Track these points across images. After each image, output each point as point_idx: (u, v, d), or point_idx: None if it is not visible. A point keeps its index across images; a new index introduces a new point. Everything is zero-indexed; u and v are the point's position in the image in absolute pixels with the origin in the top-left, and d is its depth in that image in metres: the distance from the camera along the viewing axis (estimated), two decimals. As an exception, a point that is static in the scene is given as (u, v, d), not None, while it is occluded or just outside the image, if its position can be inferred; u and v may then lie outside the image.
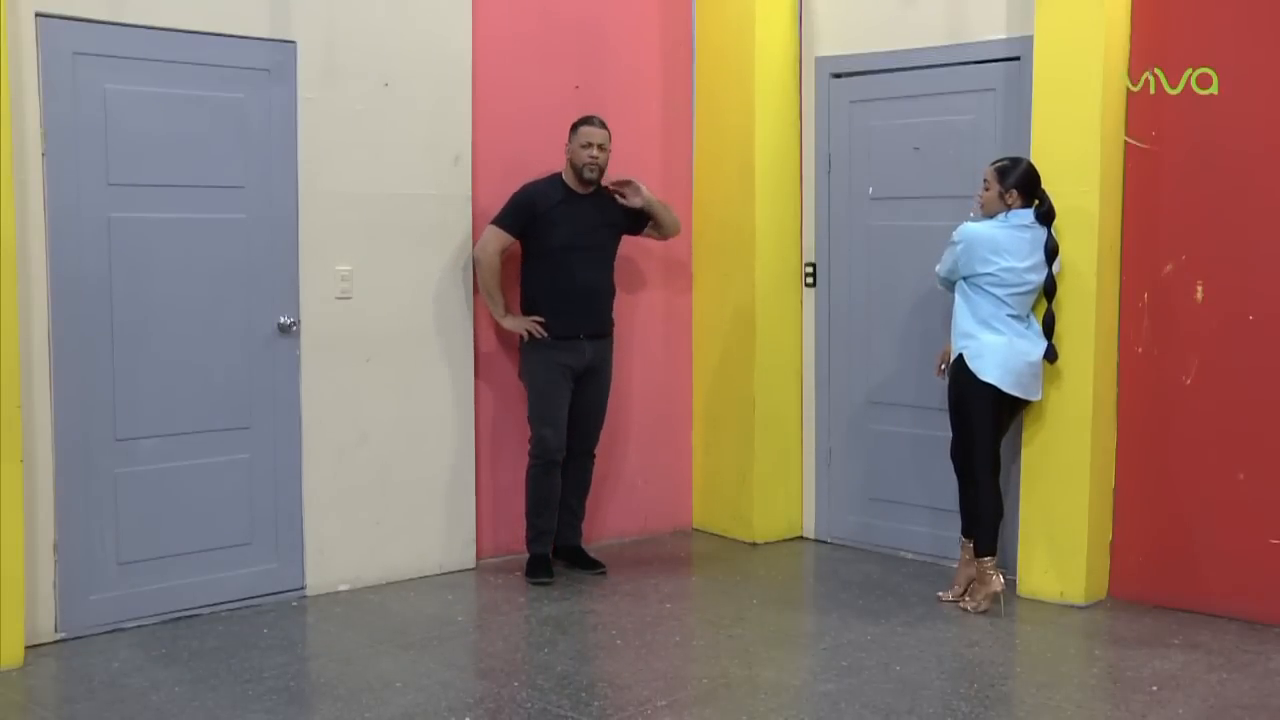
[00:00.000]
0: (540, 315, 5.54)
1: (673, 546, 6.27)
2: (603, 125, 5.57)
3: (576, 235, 5.53)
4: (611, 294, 5.74)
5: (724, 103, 6.28)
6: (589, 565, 5.74)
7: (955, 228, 5.11)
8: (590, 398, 5.69)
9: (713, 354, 6.44)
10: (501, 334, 5.78)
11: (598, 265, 5.64)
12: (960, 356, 5.05)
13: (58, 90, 4.58)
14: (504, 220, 5.53)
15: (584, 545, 5.87)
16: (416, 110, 5.47)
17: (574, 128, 5.57)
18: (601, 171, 5.57)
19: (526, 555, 5.67)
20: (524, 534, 5.68)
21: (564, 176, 5.60)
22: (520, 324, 5.56)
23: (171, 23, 4.82)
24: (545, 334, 5.51)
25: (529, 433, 5.62)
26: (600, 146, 5.53)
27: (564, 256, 5.51)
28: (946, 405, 5.18)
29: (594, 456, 5.82)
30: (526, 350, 5.61)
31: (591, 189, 5.60)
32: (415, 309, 5.51)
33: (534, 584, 5.51)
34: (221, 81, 4.96)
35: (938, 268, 5.21)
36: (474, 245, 5.59)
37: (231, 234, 5.02)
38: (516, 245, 5.58)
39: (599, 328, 5.66)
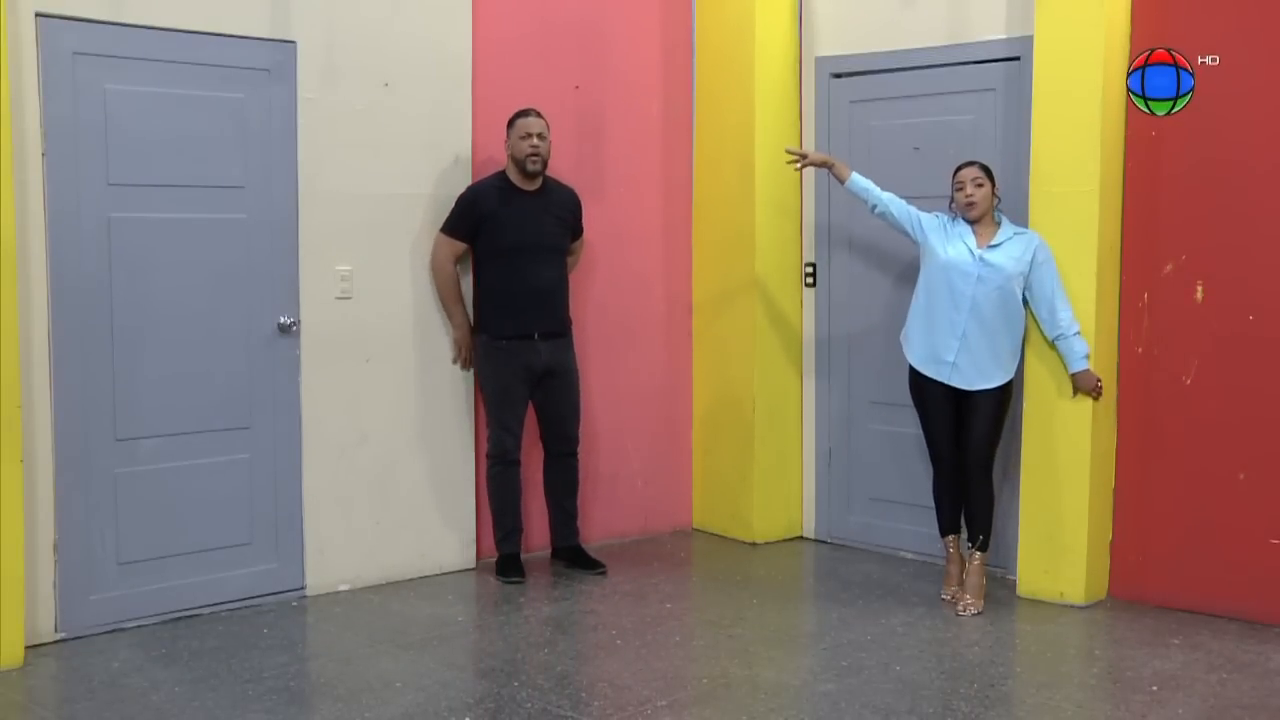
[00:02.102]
0: (493, 316, 5.48)
1: (673, 546, 6.27)
2: (540, 115, 5.49)
3: (524, 233, 5.45)
4: (565, 291, 5.66)
5: (724, 103, 6.28)
6: (589, 565, 5.74)
7: (1033, 245, 5.08)
8: (559, 399, 5.65)
9: (713, 354, 6.44)
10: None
11: (548, 263, 5.54)
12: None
13: (58, 90, 4.58)
14: (450, 226, 5.46)
15: (583, 545, 5.87)
16: (416, 110, 5.47)
17: (510, 122, 5.49)
18: (544, 163, 5.49)
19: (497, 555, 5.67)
20: (492, 535, 5.68)
21: (508, 174, 5.53)
22: (458, 348, 5.56)
23: (171, 23, 4.82)
24: (467, 368, 5.57)
25: (488, 434, 5.59)
26: (540, 136, 5.44)
27: (513, 256, 5.44)
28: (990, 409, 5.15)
29: (576, 456, 5.78)
30: (482, 353, 5.55)
31: (538, 184, 5.53)
32: (415, 309, 5.51)
33: (506, 583, 5.50)
34: (221, 81, 4.96)
35: (1066, 312, 5.04)
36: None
37: (231, 234, 5.02)
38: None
39: (553, 326, 5.57)
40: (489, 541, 5.79)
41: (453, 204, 5.49)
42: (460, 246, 5.47)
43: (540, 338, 5.52)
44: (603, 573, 5.69)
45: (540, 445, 5.77)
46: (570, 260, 5.78)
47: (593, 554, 5.84)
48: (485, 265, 5.50)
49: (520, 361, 5.49)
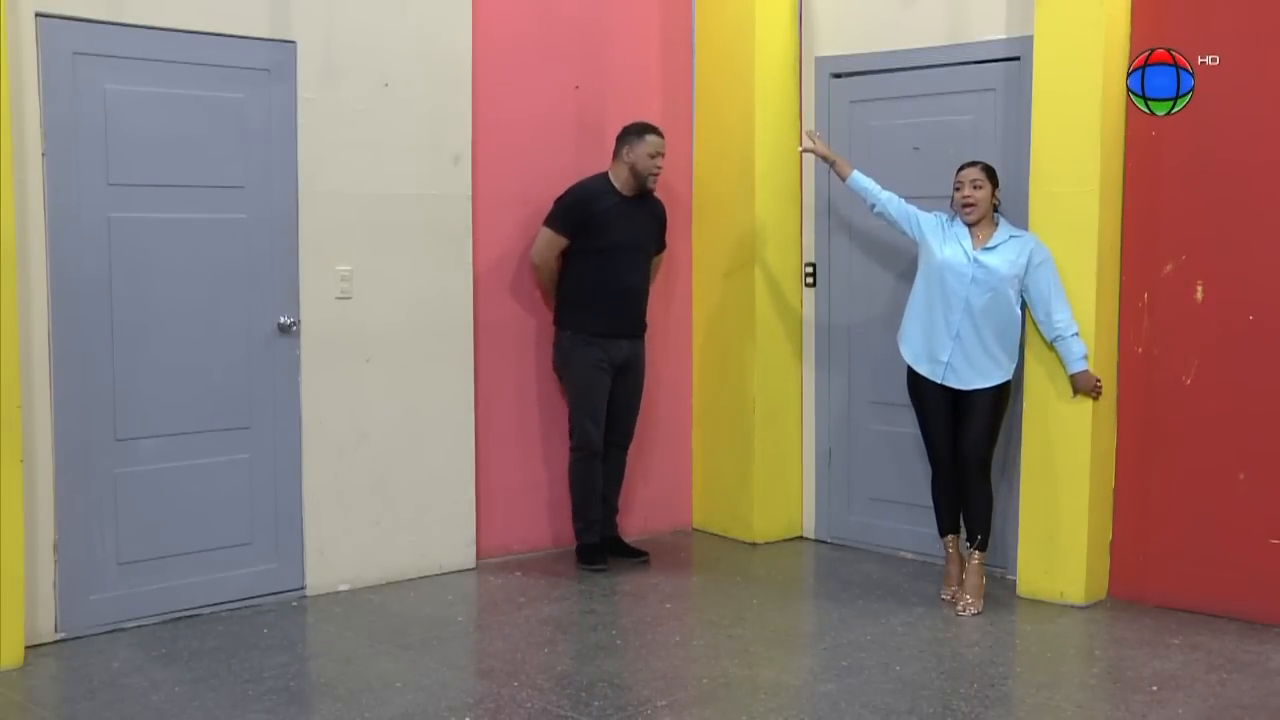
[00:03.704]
0: (584, 313, 5.64)
1: (673, 546, 6.27)
2: (663, 135, 5.72)
3: (625, 237, 5.65)
4: (647, 294, 5.87)
5: (724, 103, 6.28)
6: (630, 554, 5.87)
7: (1026, 244, 5.09)
8: (627, 393, 5.82)
9: (713, 354, 6.44)
10: (503, 333, 5.80)
11: (640, 267, 5.78)
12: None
13: (58, 90, 4.57)
14: (558, 223, 5.63)
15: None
16: (416, 110, 5.47)
17: (638, 134, 5.65)
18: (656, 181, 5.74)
19: (576, 545, 5.85)
20: (573, 527, 5.86)
21: (612, 178, 5.69)
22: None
23: (171, 23, 4.82)
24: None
25: (570, 426, 5.77)
26: (663, 156, 5.68)
27: (612, 257, 5.62)
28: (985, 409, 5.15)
29: (627, 450, 5.94)
30: (567, 346, 5.70)
31: (637, 193, 5.70)
32: (415, 309, 5.51)
33: (591, 570, 5.66)
34: (221, 81, 4.96)
35: (1063, 313, 5.03)
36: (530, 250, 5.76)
37: (231, 234, 5.02)
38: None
39: (638, 327, 5.81)
40: (489, 541, 5.81)
41: (553, 204, 5.66)
42: (563, 242, 5.65)
43: (625, 335, 5.71)
44: (645, 561, 5.83)
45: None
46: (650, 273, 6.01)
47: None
48: (580, 262, 5.67)
49: (605, 355, 5.67)
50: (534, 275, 5.79)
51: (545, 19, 5.92)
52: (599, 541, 5.80)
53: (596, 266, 5.62)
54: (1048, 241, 5.10)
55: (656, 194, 5.90)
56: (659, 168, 5.69)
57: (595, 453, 5.72)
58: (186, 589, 4.97)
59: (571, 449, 5.76)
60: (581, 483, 5.75)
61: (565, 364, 5.75)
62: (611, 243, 5.61)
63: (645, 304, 5.85)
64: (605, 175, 5.71)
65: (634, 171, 5.64)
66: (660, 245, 5.96)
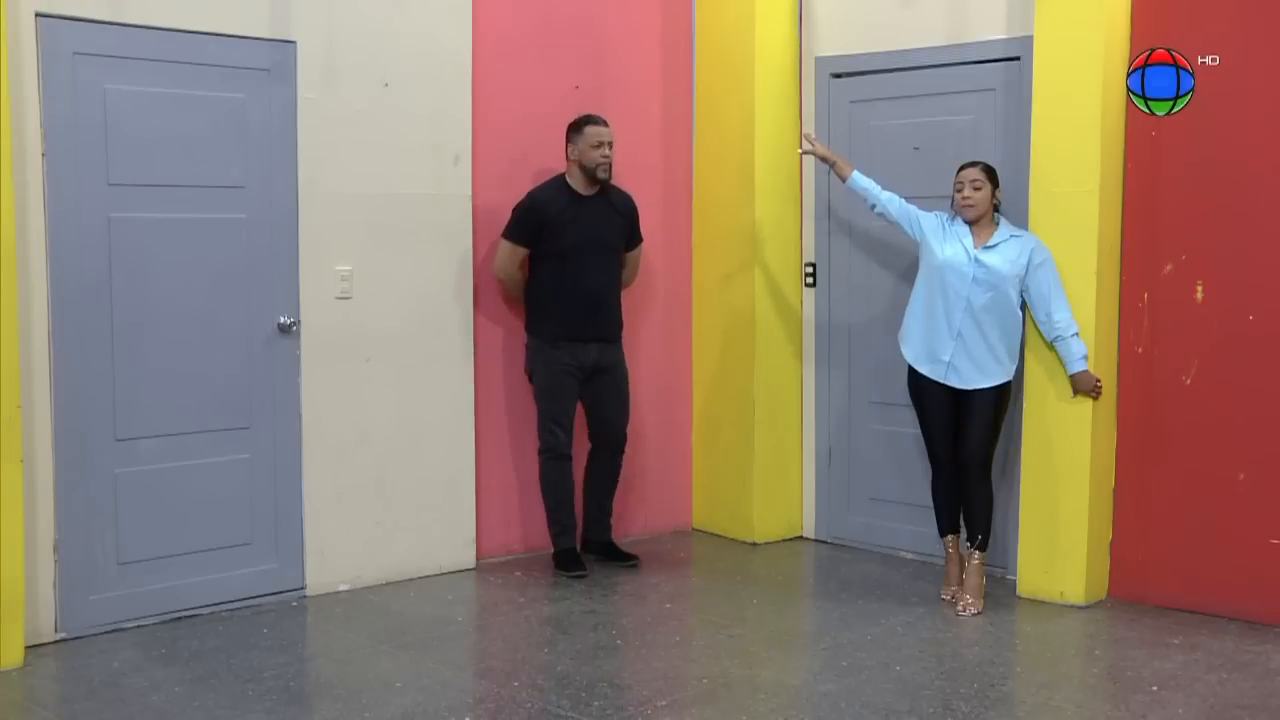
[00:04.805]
0: (549, 318, 5.58)
1: (673, 546, 6.27)
2: (607, 123, 5.59)
3: (584, 239, 5.56)
4: (618, 296, 5.78)
5: (724, 103, 6.28)
6: (622, 558, 5.82)
7: (1026, 244, 5.09)
8: (608, 395, 5.74)
9: (713, 354, 6.44)
10: (503, 333, 5.80)
11: (605, 268, 5.67)
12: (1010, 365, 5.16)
13: (58, 90, 4.57)
14: (514, 234, 5.57)
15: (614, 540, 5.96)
16: (416, 110, 5.47)
17: (577, 128, 5.58)
18: (611, 170, 5.59)
19: (552, 550, 5.77)
20: (547, 531, 5.77)
21: (568, 179, 5.61)
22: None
23: (171, 23, 4.82)
24: None
25: (537, 430, 5.71)
26: (610, 145, 5.57)
27: (572, 260, 5.54)
28: (985, 408, 5.15)
29: (621, 452, 5.87)
30: (532, 348, 5.66)
31: (597, 189, 5.62)
32: (415, 309, 5.51)
33: (570, 578, 5.56)
34: (221, 81, 4.96)
35: (1063, 314, 5.03)
36: (493, 261, 5.68)
37: (231, 234, 5.02)
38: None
39: (606, 331, 5.69)
40: (489, 541, 5.81)
41: (510, 211, 5.59)
42: (522, 252, 5.59)
43: (592, 341, 5.62)
44: (635, 565, 5.78)
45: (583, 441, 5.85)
46: (626, 272, 5.89)
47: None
48: (541, 267, 5.61)
49: (572, 359, 5.60)
50: (500, 289, 5.74)
51: (545, 19, 5.92)
52: (574, 547, 5.73)
53: (558, 270, 5.55)
54: (1048, 241, 5.10)
55: (623, 188, 5.79)
56: (605, 156, 5.54)
57: (563, 456, 5.64)
58: (186, 589, 4.97)
59: (539, 452, 5.69)
60: (552, 487, 5.68)
61: (530, 366, 5.69)
62: (571, 245, 5.52)
63: (615, 305, 5.74)
64: (562, 177, 5.64)
65: (582, 166, 5.56)
66: (632, 241, 5.85)
